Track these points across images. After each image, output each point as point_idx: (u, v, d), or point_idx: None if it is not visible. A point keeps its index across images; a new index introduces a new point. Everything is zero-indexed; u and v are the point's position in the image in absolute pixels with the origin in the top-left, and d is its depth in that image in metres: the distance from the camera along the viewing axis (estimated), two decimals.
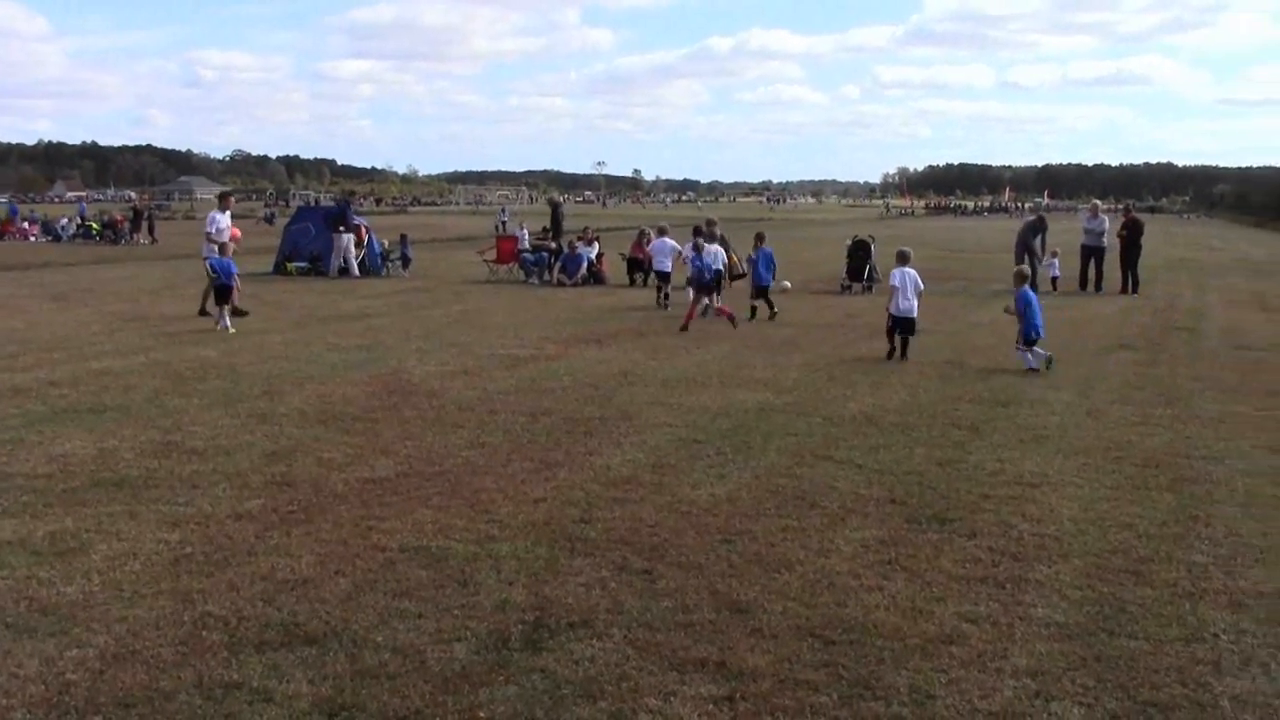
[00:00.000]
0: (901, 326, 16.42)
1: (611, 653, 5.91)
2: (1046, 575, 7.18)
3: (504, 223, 65.70)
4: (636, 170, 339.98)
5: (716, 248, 22.96)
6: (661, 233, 25.82)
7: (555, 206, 37.35)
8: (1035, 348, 15.69)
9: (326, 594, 6.72)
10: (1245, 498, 9.12)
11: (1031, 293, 16.35)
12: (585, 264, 29.30)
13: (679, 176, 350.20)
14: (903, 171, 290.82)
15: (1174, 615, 6.54)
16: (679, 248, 24.39)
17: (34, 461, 9.91)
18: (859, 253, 28.08)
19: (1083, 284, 28.08)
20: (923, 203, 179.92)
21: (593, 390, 13.50)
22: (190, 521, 8.15)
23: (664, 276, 24.60)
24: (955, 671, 5.72)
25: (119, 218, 58.08)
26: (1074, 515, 8.49)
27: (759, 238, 23.33)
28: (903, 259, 17.00)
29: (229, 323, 18.99)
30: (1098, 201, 32.19)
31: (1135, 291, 27.25)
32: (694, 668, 5.73)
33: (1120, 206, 30.68)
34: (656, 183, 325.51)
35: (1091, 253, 28.49)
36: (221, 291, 19.18)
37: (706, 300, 21.16)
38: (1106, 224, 28.81)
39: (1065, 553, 7.63)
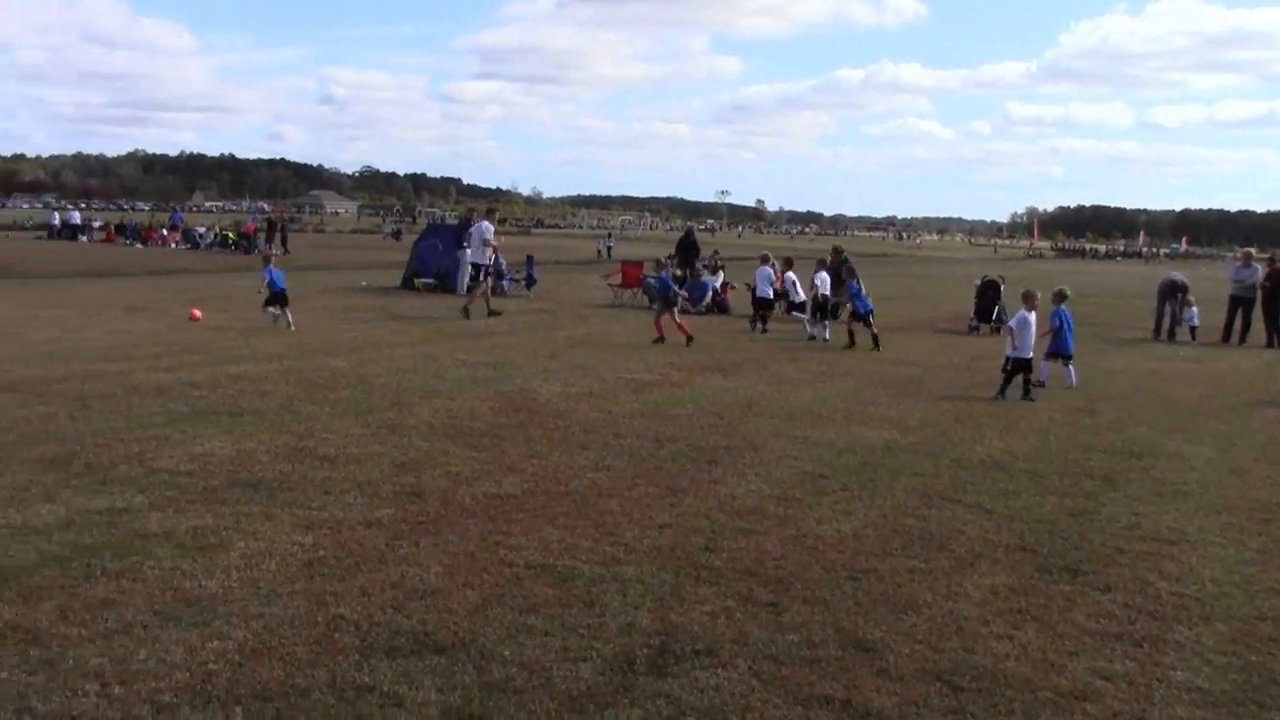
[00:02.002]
0: (1018, 366, 16.57)
1: (736, 683, 5.91)
2: (1187, 637, 6.96)
3: (609, 248, 65.96)
4: (760, 200, 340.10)
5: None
6: (764, 260, 26.12)
7: (688, 233, 37.59)
8: (1069, 365, 17.80)
9: (455, 605, 6.84)
10: None
11: (1066, 312, 17.79)
12: (709, 292, 29.32)
13: (802, 208, 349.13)
14: (1032, 211, 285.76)
15: None
16: (772, 273, 26.00)
17: (176, 458, 10.27)
18: (988, 293, 27.70)
19: (1226, 336, 27.18)
20: (1049, 243, 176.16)
21: (717, 419, 13.52)
22: (323, 526, 8.37)
23: (763, 303, 25.33)
24: None
25: (252, 228, 59.79)
26: (1216, 577, 8.22)
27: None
28: (1028, 300, 17.19)
29: (290, 320, 21.10)
30: (1251, 250, 30.86)
31: None
32: (819, 704, 5.71)
33: (1266, 256, 29.53)
34: (780, 213, 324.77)
35: (1240, 303, 27.42)
36: (277, 296, 21.31)
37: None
38: (1260, 273, 27.57)
39: (1208, 615, 7.39)
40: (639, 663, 6.10)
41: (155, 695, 5.43)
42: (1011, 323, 16.91)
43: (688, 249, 33.86)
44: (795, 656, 6.31)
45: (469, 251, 31.84)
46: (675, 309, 22.27)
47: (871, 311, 22.72)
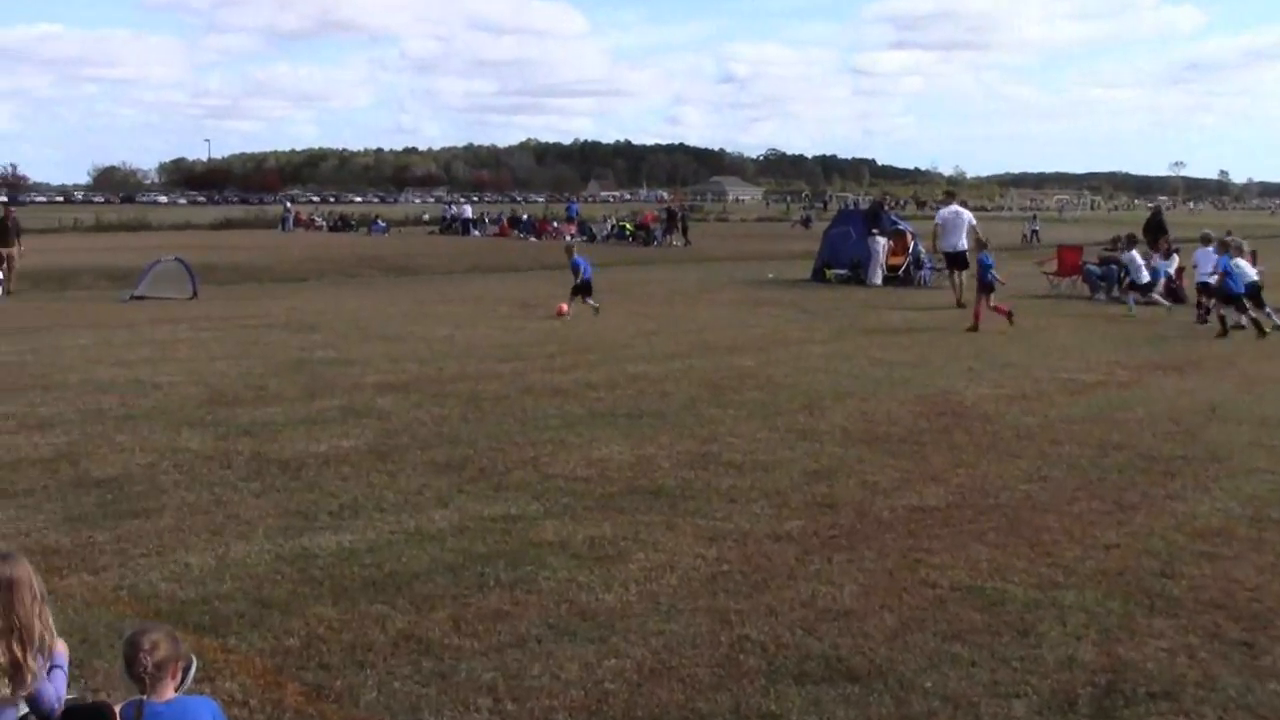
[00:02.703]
0: None
1: None
2: None
3: (1034, 231, 64.07)
4: (1223, 171, 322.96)
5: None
6: (1204, 241, 24.59)
7: (1155, 212, 36.21)
8: None
9: (870, 629, 6.78)
10: None
11: None
12: (1162, 279, 27.99)
13: (1277, 179, 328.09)
14: None
15: None
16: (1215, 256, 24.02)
17: (573, 464, 10.70)
18: None
19: None
20: None
21: (1173, 425, 12.85)
22: (728, 538, 8.48)
23: (1203, 288, 23.85)
24: None
25: (650, 217, 61.81)
26: None
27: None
28: None
29: (595, 307, 23.53)
30: None
31: None
32: None
33: None
34: (1249, 185, 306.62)
35: None
36: (583, 286, 23.70)
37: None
38: None
39: None
40: (1081, 702, 5.86)
41: (549, 714, 5.64)
42: None
43: (1155, 230, 32.60)
44: (1277, 708, 5.87)
45: (881, 240, 31.99)
46: (991, 294, 22.25)
47: (1241, 295, 21.55)
